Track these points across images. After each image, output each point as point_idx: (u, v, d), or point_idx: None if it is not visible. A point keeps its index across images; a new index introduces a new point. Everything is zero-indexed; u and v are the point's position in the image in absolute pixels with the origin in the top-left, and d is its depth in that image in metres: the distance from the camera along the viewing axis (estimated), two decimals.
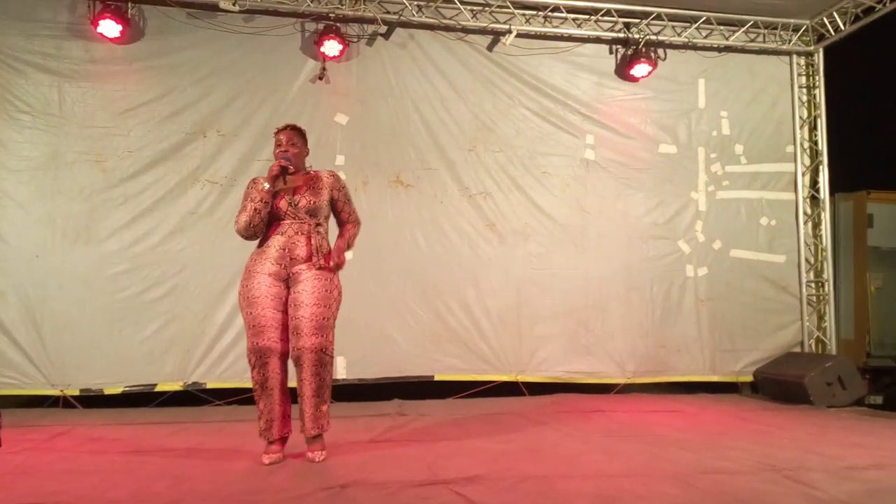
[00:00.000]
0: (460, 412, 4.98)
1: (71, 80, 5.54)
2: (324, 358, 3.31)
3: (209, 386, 5.54)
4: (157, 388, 5.45)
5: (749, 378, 6.32)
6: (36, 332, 5.33)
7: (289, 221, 3.41)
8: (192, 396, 5.52)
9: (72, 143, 5.50)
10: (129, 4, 5.57)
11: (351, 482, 2.83)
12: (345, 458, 3.35)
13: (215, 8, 5.61)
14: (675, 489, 2.75)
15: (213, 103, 5.73)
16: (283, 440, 3.38)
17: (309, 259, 3.37)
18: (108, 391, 5.39)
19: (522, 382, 6.01)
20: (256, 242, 3.55)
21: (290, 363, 3.43)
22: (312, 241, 3.39)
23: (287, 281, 3.39)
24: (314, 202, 3.43)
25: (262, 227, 3.46)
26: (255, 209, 3.40)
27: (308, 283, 3.34)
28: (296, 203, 3.41)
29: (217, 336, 5.57)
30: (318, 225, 3.45)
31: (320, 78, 5.85)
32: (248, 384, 5.36)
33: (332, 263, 3.40)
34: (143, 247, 5.53)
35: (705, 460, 3.30)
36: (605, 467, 3.15)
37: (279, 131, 3.54)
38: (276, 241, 3.38)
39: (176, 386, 5.48)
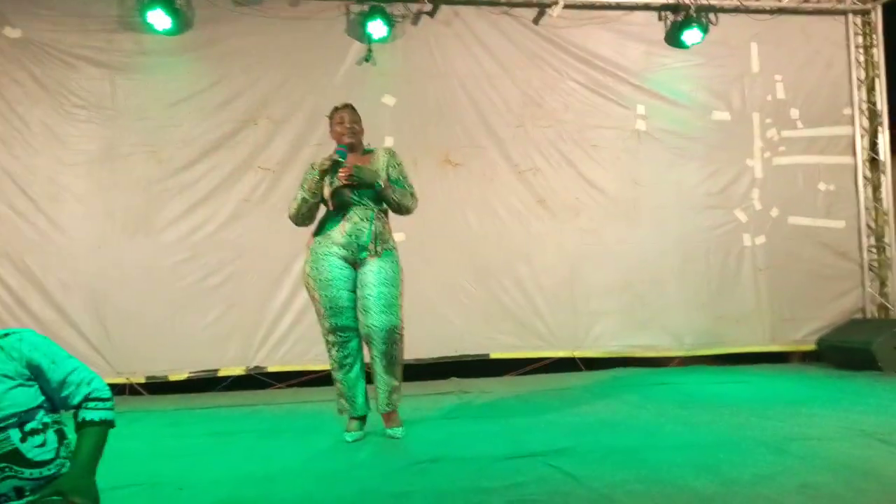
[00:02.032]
0: (521, 388, 4.97)
1: (123, 72, 5.60)
2: (393, 335, 3.33)
3: (270, 370, 5.61)
4: (220, 374, 5.54)
5: (811, 347, 6.19)
6: (100, 322, 5.44)
7: (353, 207, 3.39)
8: (254, 380, 5.60)
9: (126, 136, 5.57)
10: None
11: (438, 457, 2.84)
12: (422, 435, 3.36)
13: None
14: (771, 456, 2.70)
15: (262, 90, 5.75)
16: (363, 417, 3.41)
17: (368, 247, 3.36)
18: (172, 377, 5.49)
19: (579, 358, 5.97)
20: (317, 225, 3.54)
21: None
22: (374, 228, 3.38)
23: (354, 264, 3.39)
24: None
25: (310, 216, 3.50)
26: (304, 199, 3.43)
27: (374, 265, 3.36)
28: (359, 189, 3.40)
29: (276, 320, 5.63)
30: (381, 211, 3.45)
31: (367, 60, 5.83)
32: (309, 366, 5.60)
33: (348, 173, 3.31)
34: (200, 235, 5.60)
35: (790, 427, 3.23)
36: (690, 438, 3.10)
37: (341, 108, 3.55)
38: (341, 227, 3.37)
39: (238, 370, 5.56)
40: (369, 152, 3.57)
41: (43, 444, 1.86)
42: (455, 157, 5.97)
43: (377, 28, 5.71)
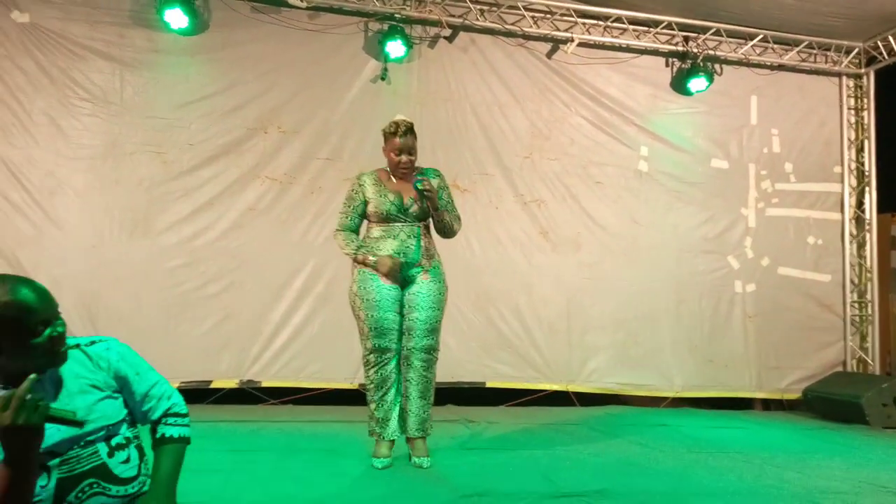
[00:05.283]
0: (524, 420, 4.95)
1: (133, 68, 5.44)
2: (432, 358, 3.36)
3: (264, 384, 5.46)
4: (213, 385, 5.37)
5: (794, 396, 6.34)
6: (91, 323, 5.21)
7: (400, 225, 3.38)
8: (245, 395, 5.43)
9: (132, 133, 5.40)
10: None
11: (484, 491, 2.78)
12: (452, 465, 3.30)
13: (282, 3, 5.56)
14: None
15: (274, 99, 5.66)
16: (392, 442, 3.35)
17: (420, 263, 3.36)
18: None
19: (573, 392, 5.99)
20: (357, 241, 3.47)
21: None
22: (423, 244, 3.39)
23: (402, 283, 3.37)
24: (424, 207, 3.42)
25: None
26: (348, 254, 3.42)
27: (424, 286, 3.37)
28: (407, 209, 3.38)
29: (273, 335, 5.49)
30: (426, 227, 3.46)
31: (382, 78, 5.81)
32: (304, 384, 5.48)
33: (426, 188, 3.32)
34: (201, 241, 5.45)
35: (813, 480, 3.28)
36: (722, 485, 3.10)
37: (403, 135, 3.38)
38: (388, 245, 3.34)
39: (231, 383, 5.39)
40: (419, 174, 3.53)
41: (127, 461, 1.77)
42: (463, 183, 5.97)
43: (395, 48, 5.70)
